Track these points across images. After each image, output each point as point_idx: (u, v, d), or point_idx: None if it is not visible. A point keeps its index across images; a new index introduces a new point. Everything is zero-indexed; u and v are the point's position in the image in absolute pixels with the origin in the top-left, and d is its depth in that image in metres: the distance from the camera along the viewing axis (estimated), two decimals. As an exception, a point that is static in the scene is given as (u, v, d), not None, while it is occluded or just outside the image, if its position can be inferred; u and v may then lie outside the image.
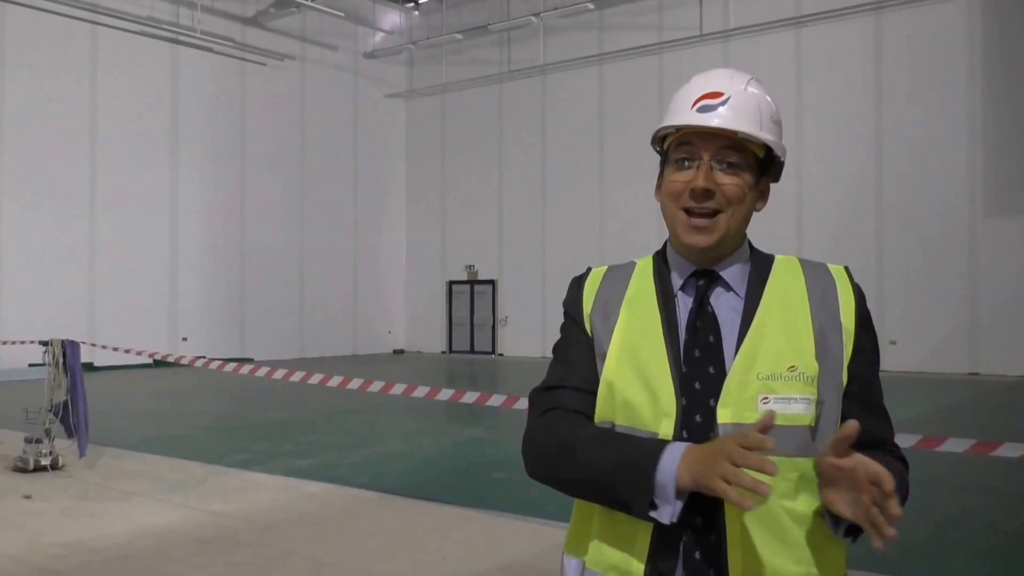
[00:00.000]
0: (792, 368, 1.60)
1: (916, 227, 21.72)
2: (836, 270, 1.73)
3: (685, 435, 1.61)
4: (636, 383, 1.67)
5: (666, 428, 1.62)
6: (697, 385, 1.64)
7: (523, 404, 6.35)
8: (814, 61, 23.37)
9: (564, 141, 27.84)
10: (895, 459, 1.66)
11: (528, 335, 28.10)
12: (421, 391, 7.36)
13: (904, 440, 5.39)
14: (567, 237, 27.51)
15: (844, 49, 22.95)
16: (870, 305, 1.75)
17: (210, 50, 25.68)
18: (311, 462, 9.69)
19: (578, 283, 1.86)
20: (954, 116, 21.35)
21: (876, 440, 1.65)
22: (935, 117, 21.55)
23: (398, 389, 7.61)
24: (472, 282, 30.28)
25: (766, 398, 1.58)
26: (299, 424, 12.96)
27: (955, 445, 5.33)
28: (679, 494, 1.50)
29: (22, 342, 12.41)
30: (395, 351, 31.38)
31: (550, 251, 27.95)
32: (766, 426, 1.41)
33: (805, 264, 1.75)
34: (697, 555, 1.59)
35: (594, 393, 1.72)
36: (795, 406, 1.58)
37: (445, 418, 13.74)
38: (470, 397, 7.48)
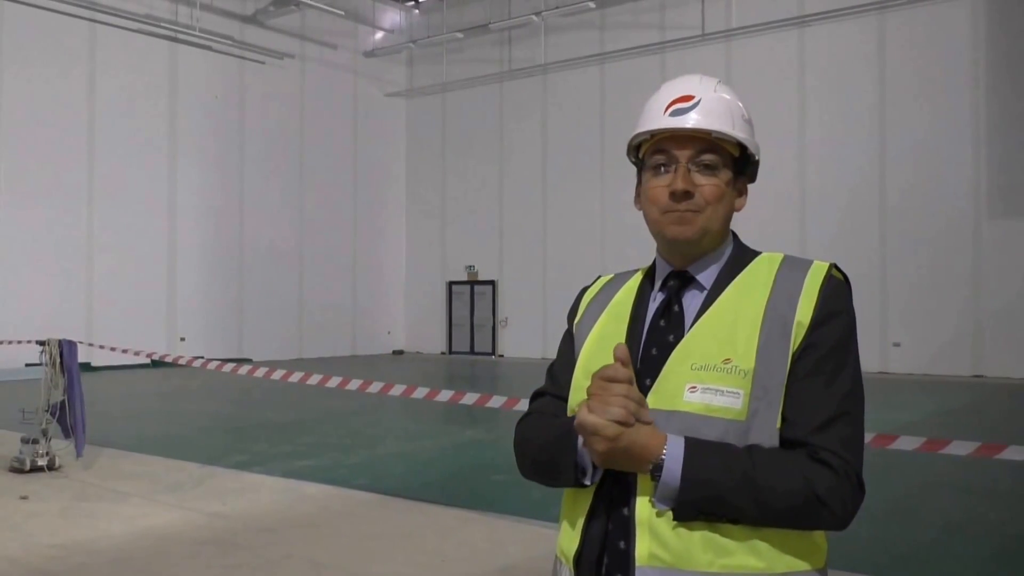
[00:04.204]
0: (727, 361, 1.61)
1: (920, 228, 21.68)
2: (816, 266, 1.69)
3: None
4: None
5: None
6: (648, 382, 1.68)
7: (523, 406, 6.31)
8: (817, 61, 23.35)
9: (565, 141, 27.81)
10: (806, 458, 1.56)
11: (528, 336, 28.07)
12: (420, 392, 7.34)
13: (908, 443, 5.37)
14: (568, 237, 27.51)
15: (847, 49, 22.93)
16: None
17: (209, 48, 25.66)
18: (310, 463, 9.69)
19: (580, 293, 1.98)
20: (958, 117, 21.33)
21: (793, 439, 1.59)
22: (939, 118, 21.52)
23: (397, 390, 7.57)
24: (472, 282, 30.25)
25: (694, 387, 1.61)
26: (298, 425, 12.94)
27: (959, 448, 5.26)
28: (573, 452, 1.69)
29: (19, 341, 12.33)
30: (394, 352, 31.36)
31: (551, 252, 27.94)
32: (620, 358, 1.58)
33: (786, 260, 1.73)
34: (621, 544, 1.65)
35: (565, 396, 1.86)
36: (722, 398, 1.59)
37: (445, 419, 13.71)
38: (470, 398, 7.45)
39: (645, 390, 1.67)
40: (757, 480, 1.53)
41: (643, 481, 1.60)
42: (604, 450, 1.55)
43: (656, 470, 1.55)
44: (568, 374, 1.86)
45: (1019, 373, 20.24)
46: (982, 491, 8.34)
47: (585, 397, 1.74)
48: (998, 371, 20.60)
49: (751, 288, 1.69)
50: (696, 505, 1.55)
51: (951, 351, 21.12)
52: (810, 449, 1.57)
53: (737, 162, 1.75)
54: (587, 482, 1.68)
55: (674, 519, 1.57)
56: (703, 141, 1.70)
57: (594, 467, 1.67)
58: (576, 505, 1.74)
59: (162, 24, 24.47)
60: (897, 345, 20.78)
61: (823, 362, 1.61)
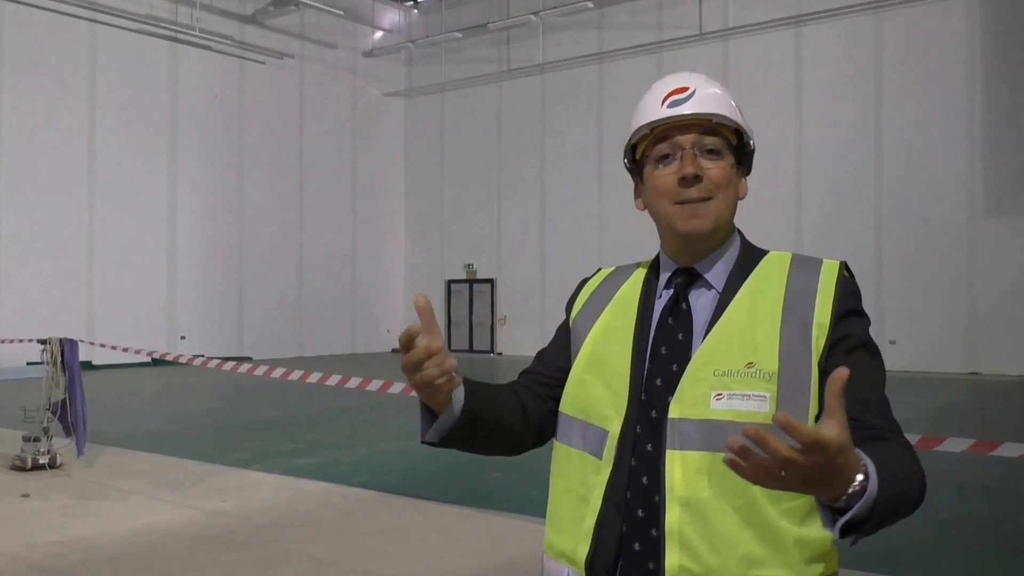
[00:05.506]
0: (750, 364, 1.56)
1: (914, 226, 21.73)
2: (828, 265, 1.68)
3: (638, 430, 1.64)
4: (599, 381, 1.71)
5: (615, 423, 1.66)
6: (658, 382, 1.65)
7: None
8: (813, 60, 23.37)
9: (563, 140, 27.84)
10: (896, 446, 1.50)
11: (527, 334, 28.07)
12: (419, 390, 7.34)
13: (902, 440, 5.37)
14: (566, 236, 27.52)
15: (843, 48, 22.96)
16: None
17: (209, 48, 25.68)
18: (309, 461, 9.71)
19: (581, 283, 1.95)
20: (952, 115, 21.37)
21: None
22: (933, 116, 21.57)
23: (396, 388, 7.60)
24: (471, 281, 30.27)
25: (720, 395, 1.56)
26: (297, 423, 12.97)
27: (954, 445, 5.26)
28: (427, 411, 1.62)
29: (20, 340, 12.35)
30: (393, 349, 31.32)
31: (549, 250, 27.96)
32: (419, 306, 1.49)
33: (796, 259, 1.71)
34: (636, 547, 1.61)
35: (547, 376, 1.84)
36: (748, 403, 1.55)
37: (444, 417, 13.70)
38: (468, 396, 7.44)
39: (656, 389, 1.64)
40: (905, 463, 1.44)
41: (674, 491, 1.56)
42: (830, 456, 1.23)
43: (865, 482, 1.29)
44: (557, 358, 1.84)
45: (1014, 370, 20.30)
46: (976, 488, 8.37)
47: (585, 392, 1.73)
48: (993, 368, 20.65)
49: (765, 289, 1.66)
50: (885, 508, 1.32)
51: (946, 348, 21.18)
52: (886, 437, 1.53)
53: (735, 150, 1.73)
54: (424, 438, 1.65)
55: (854, 539, 1.35)
56: (705, 127, 1.69)
57: (432, 416, 1.62)
58: (575, 504, 1.70)
59: (162, 24, 24.49)
60: (892, 343, 20.81)
61: (853, 353, 1.59)
